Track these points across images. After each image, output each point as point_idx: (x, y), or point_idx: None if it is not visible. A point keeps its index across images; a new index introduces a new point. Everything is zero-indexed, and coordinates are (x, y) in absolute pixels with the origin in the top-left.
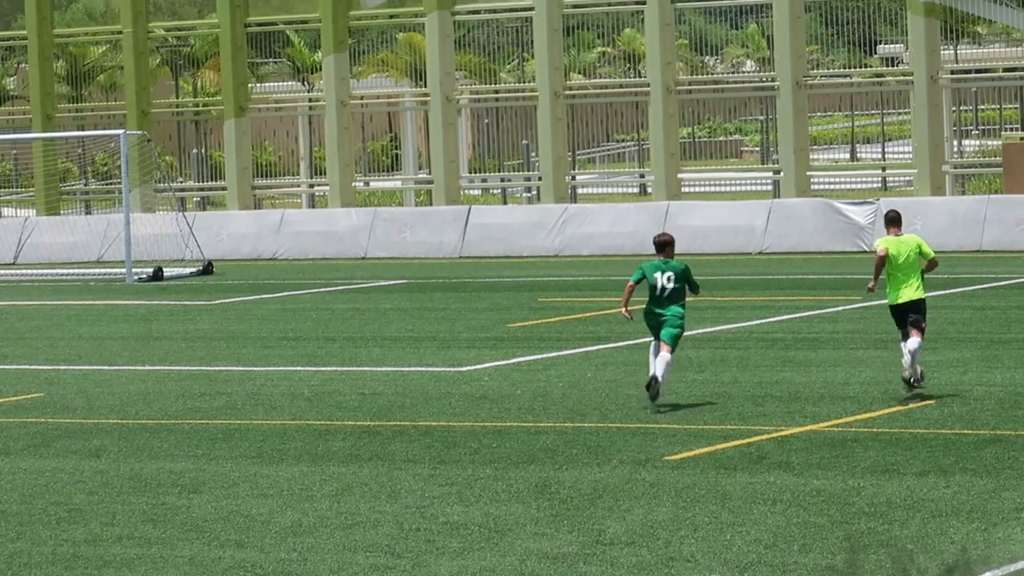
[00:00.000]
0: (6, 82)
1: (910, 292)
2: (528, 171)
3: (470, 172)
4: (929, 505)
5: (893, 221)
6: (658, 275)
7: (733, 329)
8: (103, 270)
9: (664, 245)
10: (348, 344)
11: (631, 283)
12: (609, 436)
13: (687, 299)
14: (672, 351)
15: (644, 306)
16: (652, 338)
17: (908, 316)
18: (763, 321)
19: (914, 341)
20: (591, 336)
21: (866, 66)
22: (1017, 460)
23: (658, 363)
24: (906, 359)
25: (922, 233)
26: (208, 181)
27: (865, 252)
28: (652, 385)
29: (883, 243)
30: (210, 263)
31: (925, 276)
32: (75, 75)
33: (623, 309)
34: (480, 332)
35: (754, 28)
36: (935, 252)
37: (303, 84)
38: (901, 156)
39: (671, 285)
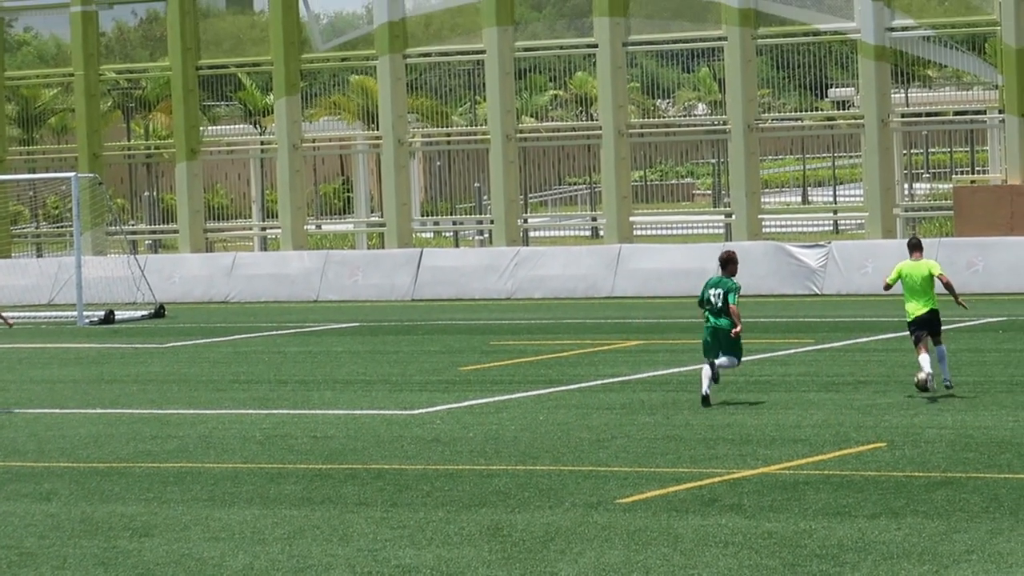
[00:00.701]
0: None
1: (923, 306)
2: (480, 214)
3: (422, 215)
4: (880, 547)
5: (915, 247)
6: (711, 291)
7: (685, 372)
8: (54, 313)
9: (726, 263)
10: (300, 387)
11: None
12: (561, 479)
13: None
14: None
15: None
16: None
17: (925, 329)
18: None
19: (939, 350)
20: (543, 379)
21: (817, 109)
22: (968, 502)
23: (706, 375)
24: (923, 373)
25: (872, 276)
26: (160, 224)
27: (816, 295)
28: (705, 400)
29: (898, 268)
30: (162, 306)
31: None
32: (26, 117)
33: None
34: (432, 375)
35: (706, 71)
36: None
37: (255, 127)
38: (852, 199)
39: (718, 302)
